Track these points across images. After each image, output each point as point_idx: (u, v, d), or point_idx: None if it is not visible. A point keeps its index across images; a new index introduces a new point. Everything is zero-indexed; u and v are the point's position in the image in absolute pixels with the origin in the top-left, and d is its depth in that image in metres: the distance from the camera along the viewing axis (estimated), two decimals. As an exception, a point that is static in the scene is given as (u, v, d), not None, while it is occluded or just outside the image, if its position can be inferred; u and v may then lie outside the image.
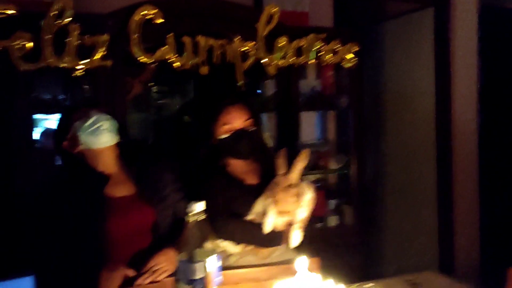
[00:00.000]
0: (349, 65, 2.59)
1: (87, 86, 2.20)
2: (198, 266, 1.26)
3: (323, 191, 2.82)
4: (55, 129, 1.80)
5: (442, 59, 3.17)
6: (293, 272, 1.29)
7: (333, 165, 2.86)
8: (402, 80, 3.40)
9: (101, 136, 1.67)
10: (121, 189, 1.73)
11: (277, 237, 1.88)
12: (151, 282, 1.58)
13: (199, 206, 1.30)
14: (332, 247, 2.58)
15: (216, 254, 1.29)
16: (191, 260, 1.26)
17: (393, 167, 3.48)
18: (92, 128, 1.66)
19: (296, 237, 1.86)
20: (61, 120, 1.79)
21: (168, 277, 1.64)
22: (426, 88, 3.20)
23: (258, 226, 1.84)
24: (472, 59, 3.20)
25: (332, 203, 2.88)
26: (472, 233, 3.15)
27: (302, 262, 1.34)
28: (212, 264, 1.28)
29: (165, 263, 1.62)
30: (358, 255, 2.74)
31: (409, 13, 3.32)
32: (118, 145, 1.75)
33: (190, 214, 1.29)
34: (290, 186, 1.79)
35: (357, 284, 1.40)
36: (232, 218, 1.89)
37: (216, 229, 1.81)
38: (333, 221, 2.81)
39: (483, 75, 3.22)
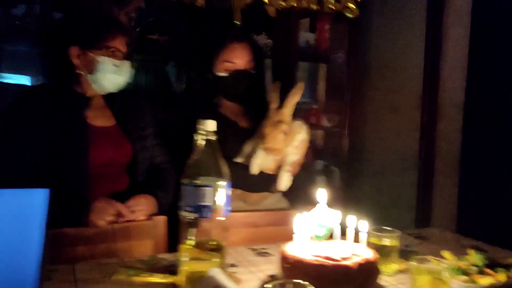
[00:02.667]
0: (350, 15, 2.43)
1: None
2: (206, 191, 1.09)
3: (311, 151, 2.69)
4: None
5: (434, 33, 3.06)
6: (291, 220, 1.16)
7: (325, 123, 2.73)
8: (390, 53, 3.27)
9: (115, 78, 1.56)
10: (100, 119, 1.58)
11: (266, 181, 1.76)
12: (128, 221, 1.45)
13: (211, 125, 1.12)
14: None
15: (225, 181, 1.12)
16: (197, 184, 1.09)
17: (374, 139, 3.38)
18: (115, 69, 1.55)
19: (284, 180, 1.72)
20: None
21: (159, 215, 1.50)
22: (415, 61, 3.08)
23: (246, 167, 1.71)
24: (464, 31, 3.11)
25: (320, 163, 2.76)
26: (450, 202, 3.11)
27: (322, 194, 1.20)
28: (221, 190, 1.11)
29: (145, 206, 1.51)
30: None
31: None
32: None
33: (199, 132, 1.11)
34: (280, 121, 1.64)
35: (374, 226, 1.28)
36: None
37: None
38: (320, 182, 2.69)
39: (474, 50, 3.14)
